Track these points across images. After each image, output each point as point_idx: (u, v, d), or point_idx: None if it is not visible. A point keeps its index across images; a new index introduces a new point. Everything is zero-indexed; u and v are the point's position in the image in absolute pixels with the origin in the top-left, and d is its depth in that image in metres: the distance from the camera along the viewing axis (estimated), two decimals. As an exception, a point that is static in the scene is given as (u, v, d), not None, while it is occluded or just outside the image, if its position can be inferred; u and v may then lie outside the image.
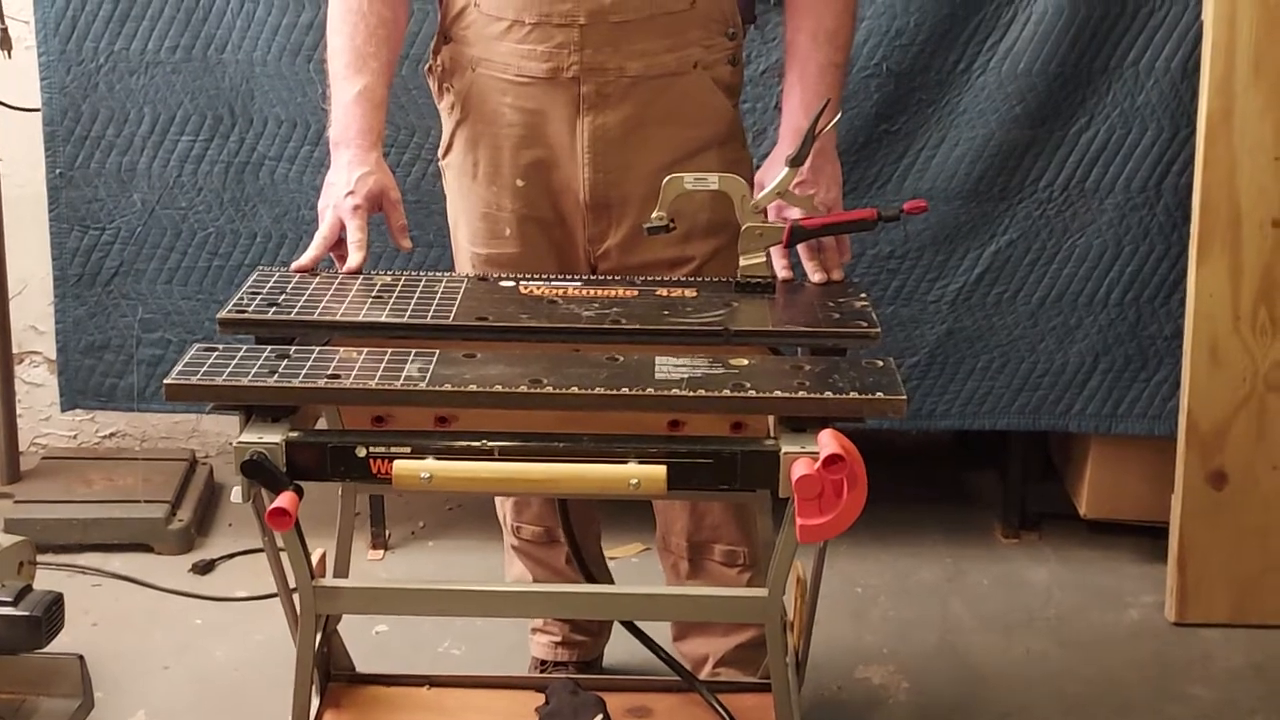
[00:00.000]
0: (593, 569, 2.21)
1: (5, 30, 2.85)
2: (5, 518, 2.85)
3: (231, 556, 2.93)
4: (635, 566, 2.89)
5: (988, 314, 2.80)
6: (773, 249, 1.89)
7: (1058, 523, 3.04)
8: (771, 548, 1.72)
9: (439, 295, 1.81)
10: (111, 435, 3.39)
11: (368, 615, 2.57)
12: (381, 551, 2.98)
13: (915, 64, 2.70)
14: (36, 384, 3.32)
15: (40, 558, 2.46)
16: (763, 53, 2.68)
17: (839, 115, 1.92)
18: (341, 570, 2.01)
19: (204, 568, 2.88)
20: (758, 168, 2.06)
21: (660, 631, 2.28)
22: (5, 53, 2.86)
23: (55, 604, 2.23)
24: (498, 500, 2.38)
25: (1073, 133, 2.71)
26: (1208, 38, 2.56)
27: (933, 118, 2.72)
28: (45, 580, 2.44)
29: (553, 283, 1.88)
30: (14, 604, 2.20)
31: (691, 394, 1.55)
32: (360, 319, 1.74)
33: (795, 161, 1.86)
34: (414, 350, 1.64)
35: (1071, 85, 2.69)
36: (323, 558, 1.78)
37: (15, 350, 3.14)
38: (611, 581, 2.40)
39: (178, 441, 3.38)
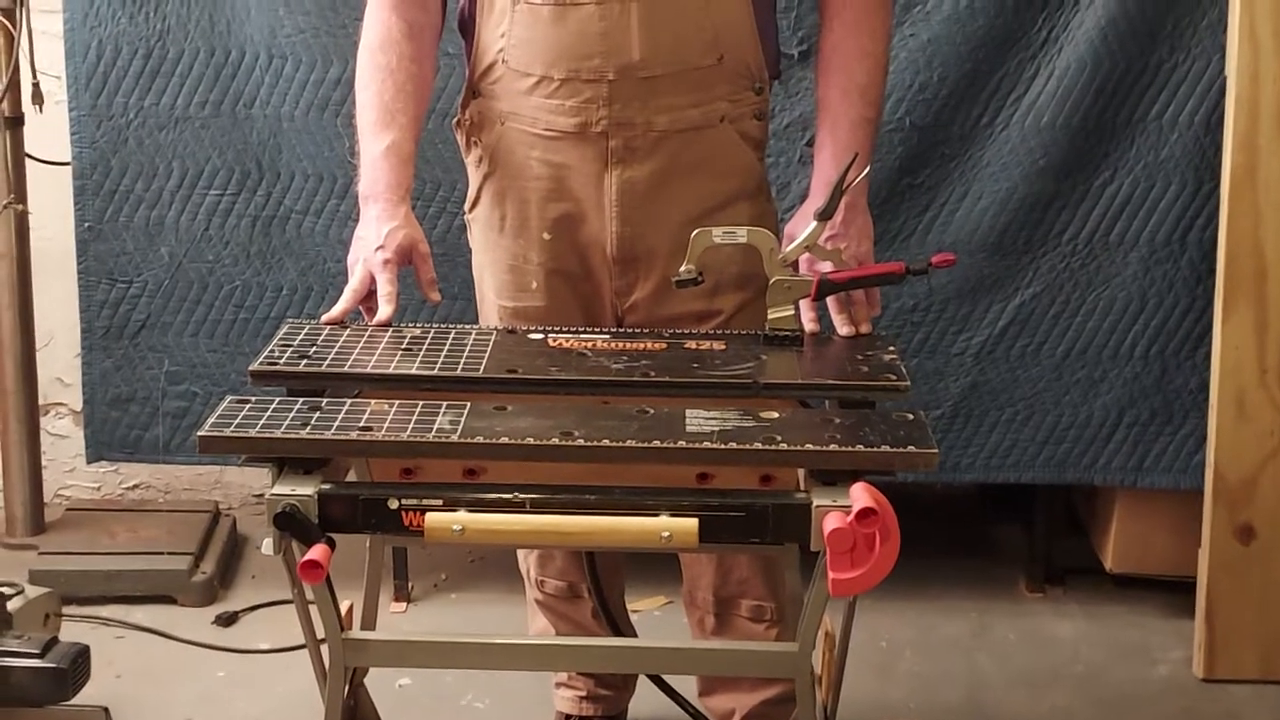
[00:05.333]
0: (618, 622, 2.20)
1: (37, 85, 2.88)
2: (30, 569, 2.85)
3: (255, 609, 2.92)
4: (658, 619, 2.88)
5: (1012, 367, 2.80)
6: (801, 301, 1.89)
7: (1084, 577, 3.02)
8: (799, 602, 1.71)
9: (469, 348, 1.82)
10: (135, 487, 3.40)
11: (393, 668, 2.55)
12: (404, 604, 2.97)
13: (939, 118, 2.71)
14: (61, 435, 3.33)
15: (65, 609, 2.46)
16: (786, 107, 2.69)
17: (868, 169, 1.93)
18: (368, 623, 2.00)
19: (227, 620, 2.88)
20: (784, 220, 2.07)
21: (686, 686, 2.27)
22: (37, 108, 2.90)
23: (81, 656, 2.23)
24: (520, 554, 2.37)
25: (1096, 186, 2.72)
26: (1231, 93, 2.57)
27: (956, 171, 2.74)
28: (69, 632, 2.45)
29: (581, 335, 1.88)
30: (40, 656, 2.20)
31: (723, 447, 1.55)
32: (391, 371, 1.75)
33: (824, 215, 1.87)
34: (445, 403, 1.64)
35: (1095, 139, 2.70)
36: (350, 610, 1.77)
37: (41, 402, 3.15)
38: (635, 635, 2.39)
39: (201, 493, 3.38)
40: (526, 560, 2.35)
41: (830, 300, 1.92)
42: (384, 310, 1.89)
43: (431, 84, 2.08)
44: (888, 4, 2.05)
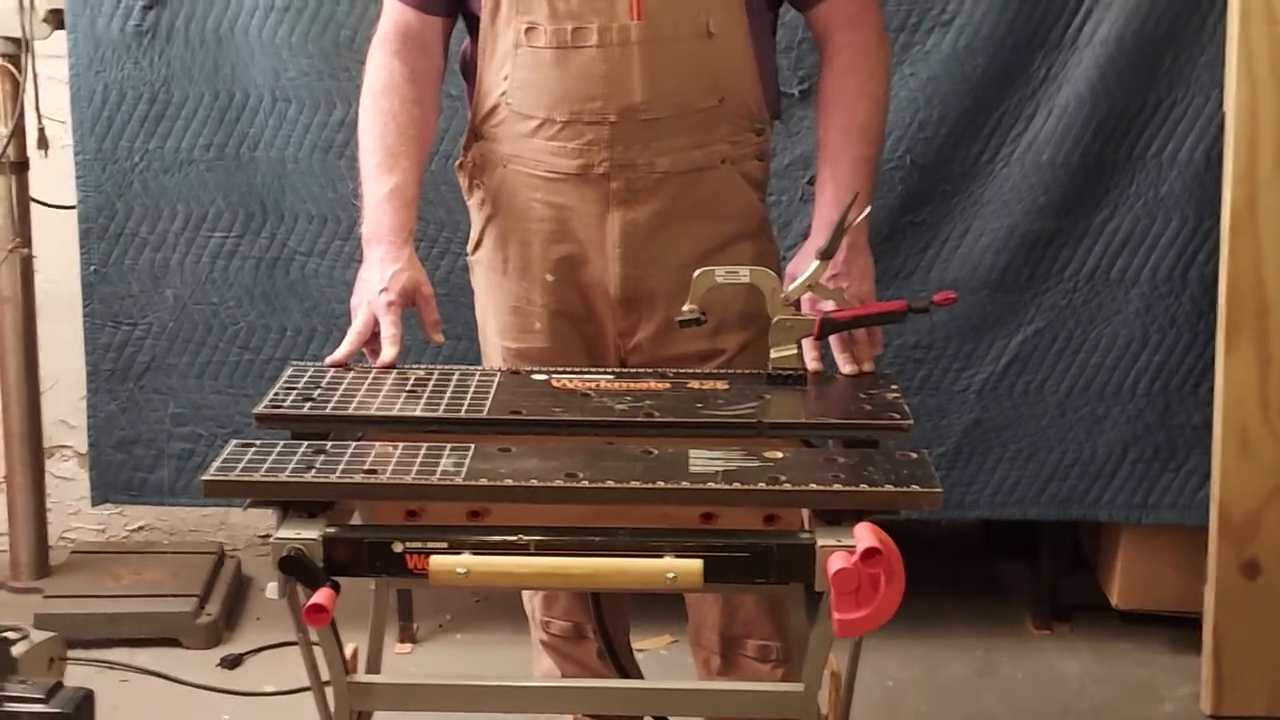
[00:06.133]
0: (623, 663, 2.20)
1: (42, 130, 2.90)
2: (35, 613, 2.85)
3: (259, 651, 2.92)
4: (663, 658, 2.87)
5: (1015, 404, 2.80)
6: (803, 340, 1.89)
7: (1090, 614, 3.02)
8: (804, 641, 1.71)
9: (472, 389, 1.82)
10: (140, 529, 3.40)
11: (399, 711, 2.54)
12: (410, 645, 2.97)
13: (939, 156, 2.72)
14: (66, 478, 3.34)
15: (69, 653, 2.45)
16: (788, 146, 2.71)
17: (869, 208, 1.94)
18: (374, 665, 2.00)
19: (232, 662, 2.87)
20: (786, 259, 2.08)
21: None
22: (42, 152, 2.91)
23: (86, 701, 2.22)
24: (525, 595, 2.37)
25: (1097, 223, 2.73)
26: (1230, 129, 2.58)
27: (957, 209, 2.75)
28: (74, 676, 2.43)
29: (585, 376, 1.89)
30: (45, 701, 2.18)
31: (727, 487, 1.55)
32: (395, 413, 1.75)
33: (826, 254, 1.87)
34: (449, 444, 1.65)
35: (1095, 176, 2.71)
36: (355, 653, 1.77)
37: (46, 444, 3.16)
38: (640, 675, 2.39)
39: (206, 535, 3.38)
40: (531, 601, 2.34)
41: (833, 339, 1.92)
42: (388, 352, 1.90)
43: (434, 127, 2.09)
44: (886, 45, 2.06)
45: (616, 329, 2.05)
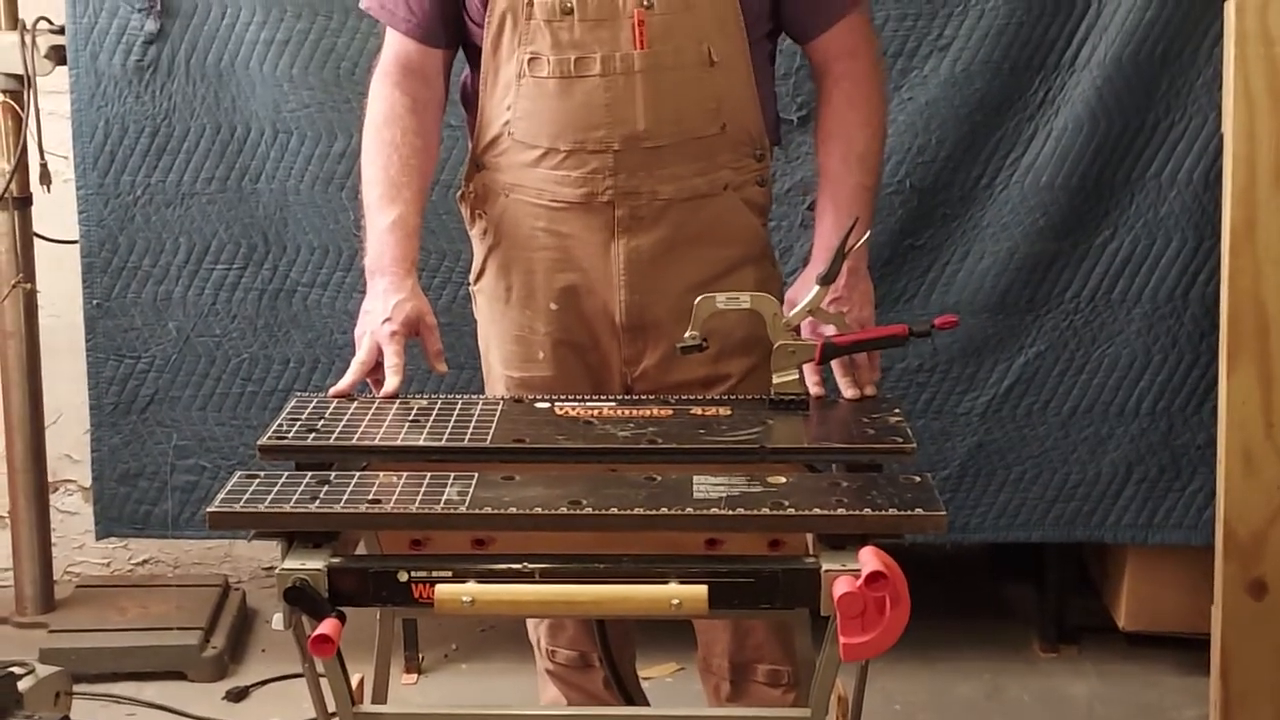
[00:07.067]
0: (630, 691, 2.19)
1: (44, 165, 2.91)
2: (41, 648, 2.85)
3: (265, 683, 2.91)
4: (670, 686, 2.87)
5: (1019, 425, 2.80)
6: (805, 365, 1.90)
7: (1097, 636, 3.01)
8: (812, 666, 1.71)
9: (475, 418, 1.82)
10: (145, 562, 3.40)
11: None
12: (415, 675, 2.96)
13: (938, 180, 2.73)
14: (71, 512, 3.34)
15: (75, 687, 2.45)
16: (788, 171, 2.72)
17: (868, 234, 1.95)
18: (380, 695, 1.99)
19: (238, 695, 2.87)
20: (787, 285, 2.08)
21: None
22: (45, 187, 2.92)
23: (92, 735, 2.22)
24: (530, 624, 2.36)
25: (1097, 244, 2.74)
26: (1228, 150, 2.59)
27: (957, 232, 2.75)
28: (80, 710, 2.44)
29: (588, 403, 1.89)
30: (51, 736, 2.19)
31: (731, 513, 1.56)
32: (399, 443, 1.75)
33: (826, 280, 1.88)
34: (453, 473, 1.65)
35: (1094, 198, 2.72)
36: (361, 683, 1.77)
37: (50, 479, 3.16)
38: (647, 703, 2.38)
39: (211, 567, 3.38)
40: (537, 630, 2.34)
41: (835, 363, 1.93)
42: (391, 382, 1.90)
43: (435, 157, 2.10)
44: (883, 73, 2.08)
45: (622, 356, 2.06)
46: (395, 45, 2.06)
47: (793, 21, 2.05)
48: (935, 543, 3.14)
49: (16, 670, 2.33)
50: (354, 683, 1.70)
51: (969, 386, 2.80)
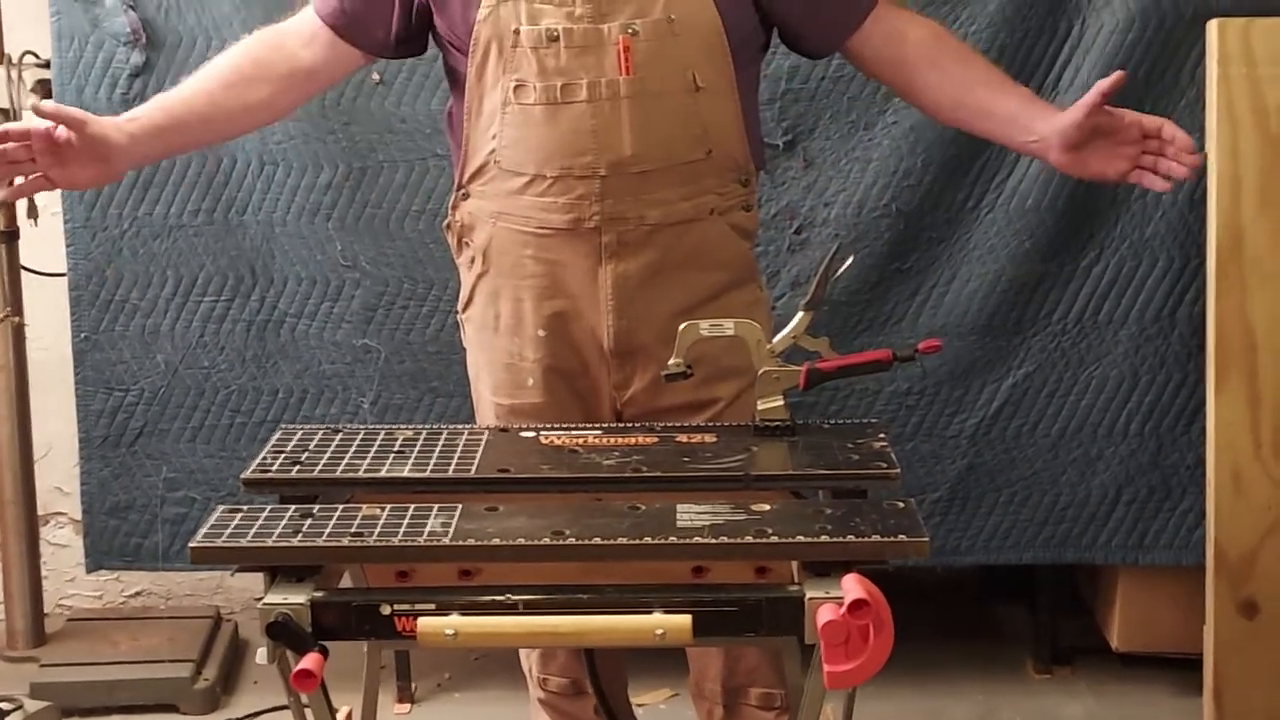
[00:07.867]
0: (620, 718, 2.19)
1: (32, 199, 2.90)
2: (32, 682, 2.84)
3: (257, 715, 2.90)
4: (663, 712, 2.86)
5: (1008, 447, 2.80)
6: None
7: (1091, 657, 3.01)
8: (801, 692, 1.70)
9: (460, 448, 1.82)
10: (137, 594, 3.39)
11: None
12: (408, 705, 2.95)
13: (924, 203, 2.74)
14: (61, 545, 3.33)
15: (66, 721, 2.45)
16: (774, 196, 2.72)
17: (850, 260, 1.95)
18: (368, 728, 1.99)
19: (230, 727, 2.87)
20: (775, 308, 2.08)
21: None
22: (32, 221, 2.93)
23: (82, 769, 2.22)
24: (522, 652, 2.36)
25: (1083, 266, 2.74)
26: (1213, 169, 2.60)
27: (944, 255, 2.76)
28: (71, 745, 2.43)
29: (573, 432, 1.89)
30: (40, 771, 2.18)
31: (714, 541, 1.55)
32: (383, 475, 1.75)
33: (811, 305, 1.88)
34: (436, 505, 1.65)
35: (1080, 219, 2.72)
36: (349, 715, 1.76)
37: (40, 512, 3.16)
38: (640, 730, 2.38)
39: (202, 598, 3.37)
40: (529, 658, 2.33)
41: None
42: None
43: (222, 134, 2.12)
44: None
45: (611, 382, 2.06)
46: (298, 18, 2.06)
47: (817, 29, 2.05)
48: (927, 565, 3.13)
49: (4, 706, 2.32)
50: (342, 715, 1.70)
51: (958, 409, 2.80)
